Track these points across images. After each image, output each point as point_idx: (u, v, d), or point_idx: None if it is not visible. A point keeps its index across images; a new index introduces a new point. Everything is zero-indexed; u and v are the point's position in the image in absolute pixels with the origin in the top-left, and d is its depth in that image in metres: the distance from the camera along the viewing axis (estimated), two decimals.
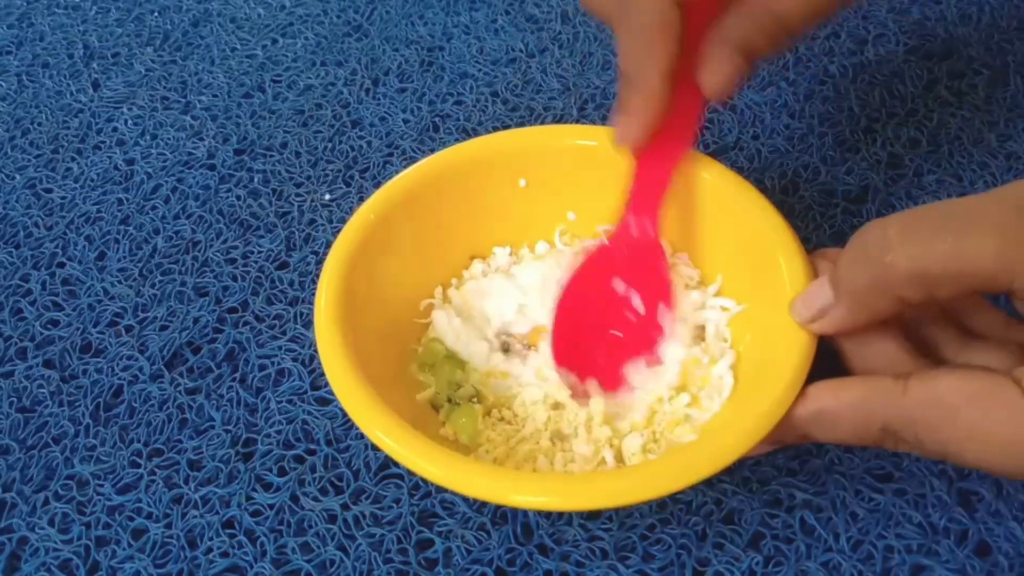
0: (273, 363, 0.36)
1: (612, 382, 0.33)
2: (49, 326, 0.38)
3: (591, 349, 0.34)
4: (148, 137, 0.46)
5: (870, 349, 0.29)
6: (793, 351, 0.29)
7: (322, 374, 0.29)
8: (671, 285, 0.34)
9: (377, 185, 0.41)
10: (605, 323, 0.35)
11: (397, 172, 0.35)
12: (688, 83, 0.31)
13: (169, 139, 0.46)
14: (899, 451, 0.29)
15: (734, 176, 0.34)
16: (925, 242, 0.25)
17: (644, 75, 0.30)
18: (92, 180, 0.44)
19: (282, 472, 0.33)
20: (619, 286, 0.35)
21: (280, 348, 0.37)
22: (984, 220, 0.24)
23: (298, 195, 0.43)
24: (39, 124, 0.47)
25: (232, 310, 0.39)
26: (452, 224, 0.36)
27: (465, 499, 0.32)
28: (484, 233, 0.37)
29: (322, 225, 0.41)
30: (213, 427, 0.35)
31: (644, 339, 0.34)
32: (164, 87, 0.48)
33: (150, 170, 0.44)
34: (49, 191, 0.44)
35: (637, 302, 0.34)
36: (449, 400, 0.34)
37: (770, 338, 0.31)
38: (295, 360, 0.36)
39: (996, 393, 0.25)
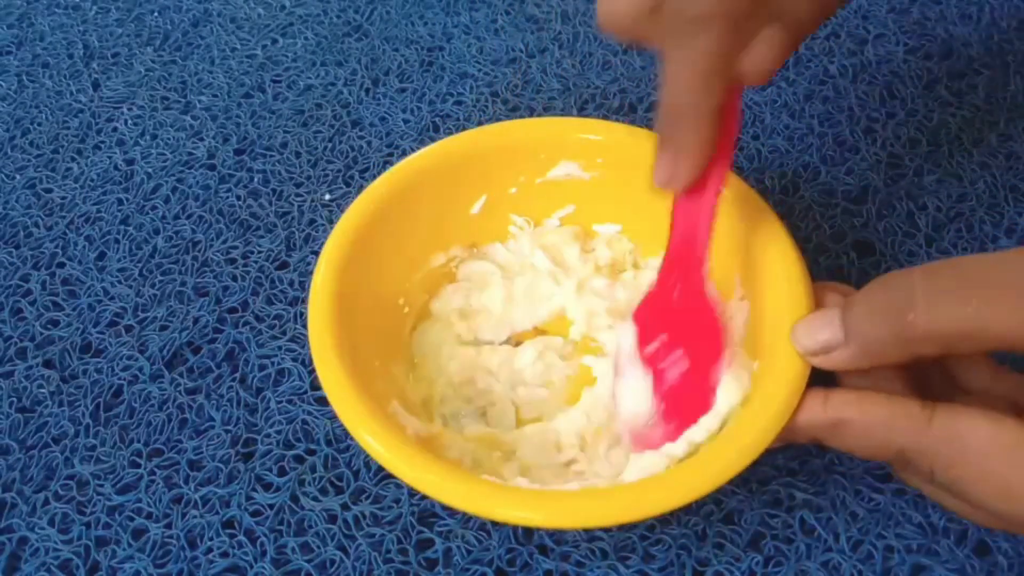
0: (273, 363, 0.36)
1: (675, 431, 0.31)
2: (49, 326, 0.38)
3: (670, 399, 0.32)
4: (148, 137, 0.46)
5: (870, 377, 0.28)
6: (791, 367, 0.28)
7: None
8: (723, 346, 0.30)
9: None
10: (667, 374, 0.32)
11: None
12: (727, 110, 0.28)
13: (169, 139, 0.45)
14: (901, 478, 0.29)
15: (745, 188, 0.33)
16: (950, 305, 0.25)
17: (701, 111, 0.27)
18: (92, 180, 0.44)
19: (282, 472, 0.33)
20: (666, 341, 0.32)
21: (280, 348, 0.37)
22: (1009, 286, 0.24)
23: (298, 195, 0.43)
24: (39, 124, 0.47)
25: (232, 310, 0.39)
26: (449, 215, 0.36)
27: None
28: (484, 224, 0.37)
29: (322, 225, 0.41)
30: (213, 427, 0.35)
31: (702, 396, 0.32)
32: (164, 87, 0.48)
33: (150, 170, 0.44)
34: (49, 191, 0.44)
35: (684, 362, 0.32)
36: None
37: (767, 350, 0.30)
38: (295, 360, 0.36)
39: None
